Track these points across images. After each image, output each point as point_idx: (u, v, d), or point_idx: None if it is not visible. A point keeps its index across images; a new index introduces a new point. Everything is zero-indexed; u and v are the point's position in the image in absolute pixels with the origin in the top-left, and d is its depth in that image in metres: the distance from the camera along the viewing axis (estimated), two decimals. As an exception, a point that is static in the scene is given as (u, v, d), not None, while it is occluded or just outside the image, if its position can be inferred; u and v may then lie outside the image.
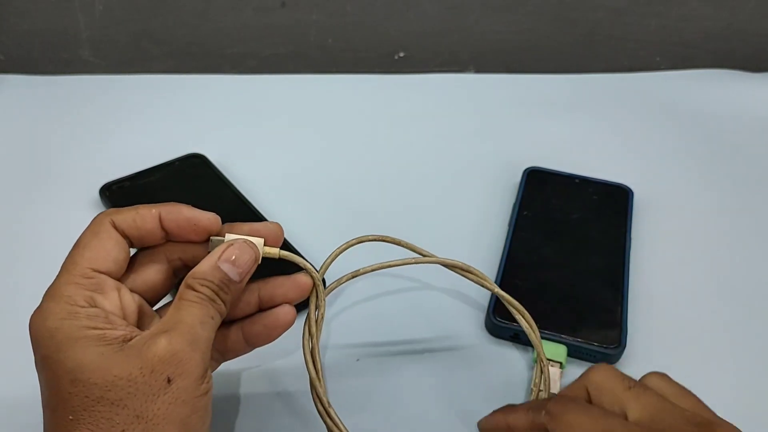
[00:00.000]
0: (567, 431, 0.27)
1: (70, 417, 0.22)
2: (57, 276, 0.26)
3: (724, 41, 0.60)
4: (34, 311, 0.25)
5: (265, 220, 0.36)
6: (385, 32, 0.61)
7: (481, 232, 0.45)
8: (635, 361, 0.37)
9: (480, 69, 0.62)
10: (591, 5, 0.59)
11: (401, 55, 0.62)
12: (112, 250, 0.26)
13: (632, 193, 0.47)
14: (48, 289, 0.25)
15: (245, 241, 0.28)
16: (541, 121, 0.55)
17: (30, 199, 0.49)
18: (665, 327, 0.40)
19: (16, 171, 0.51)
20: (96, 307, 0.25)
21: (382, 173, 0.50)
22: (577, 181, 0.47)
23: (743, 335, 0.39)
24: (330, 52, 0.62)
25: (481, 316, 0.40)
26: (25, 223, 0.47)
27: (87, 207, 0.48)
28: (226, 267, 0.27)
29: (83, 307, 0.24)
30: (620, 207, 0.46)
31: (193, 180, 0.47)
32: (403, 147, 0.54)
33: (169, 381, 0.23)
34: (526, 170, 0.49)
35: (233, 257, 0.27)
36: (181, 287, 0.26)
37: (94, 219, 0.27)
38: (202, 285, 0.26)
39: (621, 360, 0.37)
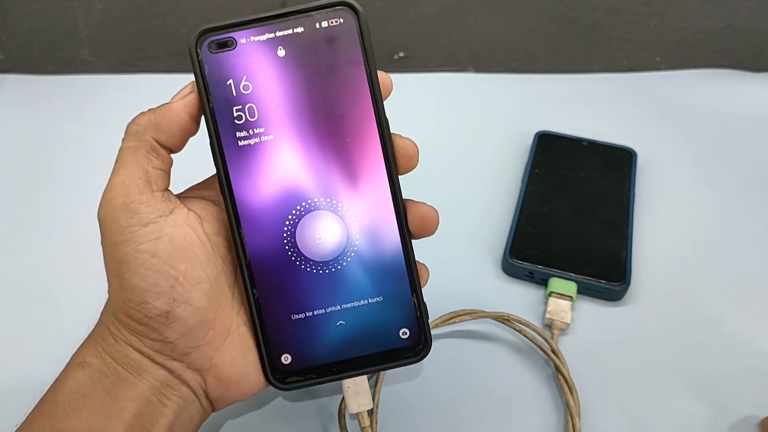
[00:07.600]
0: None
1: None
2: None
3: (724, 41, 0.60)
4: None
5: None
6: (384, 32, 0.61)
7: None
8: (639, 298, 0.43)
9: (480, 69, 0.62)
10: (590, 5, 0.59)
11: (401, 55, 0.62)
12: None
13: (636, 154, 0.51)
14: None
15: None
16: (541, 121, 0.55)
17: (30, 200, 0.49)
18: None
19: (15, 171, 0.51)
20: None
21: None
22: (584, 143, 0.51)
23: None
24: (330, 52, 0.62)
25: (498, 259, 0.45)
26: (25, 223, 0.47)
27: (86, 207, 0.47)
28: None
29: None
30: (624, 166, 0.50)
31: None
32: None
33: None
34: (537, 133, 0.52)
35: None
36: None
37: None
38: None
39: (625, 297, 0.43)
